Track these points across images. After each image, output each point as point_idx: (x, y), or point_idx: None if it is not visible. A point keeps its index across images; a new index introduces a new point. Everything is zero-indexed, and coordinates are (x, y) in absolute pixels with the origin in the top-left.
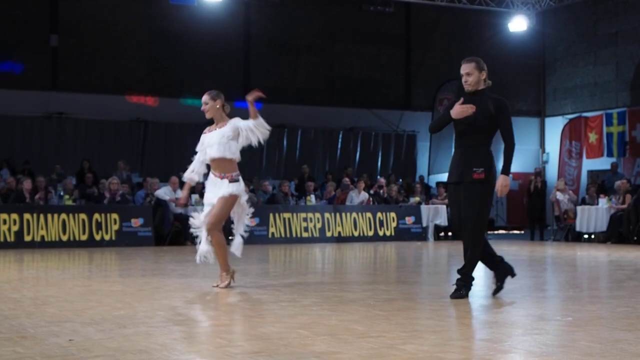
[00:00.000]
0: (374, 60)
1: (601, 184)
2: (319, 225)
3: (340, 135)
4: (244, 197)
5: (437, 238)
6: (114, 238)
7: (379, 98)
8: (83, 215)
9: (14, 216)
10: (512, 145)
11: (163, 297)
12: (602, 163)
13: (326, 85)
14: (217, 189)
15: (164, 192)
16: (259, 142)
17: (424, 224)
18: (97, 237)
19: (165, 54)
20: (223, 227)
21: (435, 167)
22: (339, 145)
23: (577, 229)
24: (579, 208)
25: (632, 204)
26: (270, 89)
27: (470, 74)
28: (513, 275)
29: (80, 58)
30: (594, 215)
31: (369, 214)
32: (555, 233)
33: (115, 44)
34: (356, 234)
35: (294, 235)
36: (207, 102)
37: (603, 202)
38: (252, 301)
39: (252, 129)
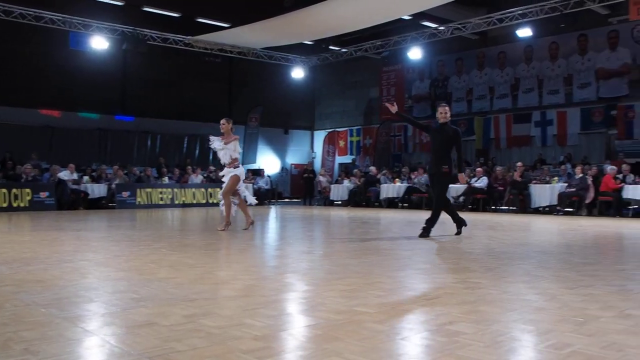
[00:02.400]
0: (209, 91)
1: (346, 171)
2: (170, 196)
3: (186, 139)
4: (243, 177)
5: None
6: (27, 205)
7: (211, 115)
8: (4, 190)
9: None
10: (462, 154)
11: (59, 244)
12: (348, 159)
13: (177, 106)
14: (227, 172)
15: (64, 174)
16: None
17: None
18: (15, 205)
19: (67, 81)
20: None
21: (246, 159)
22: (185, 146)
23: (331, 198)
24: (332, 186)
25: (362, 182)
26: (139, 108)
27: (447, 112)
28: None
29: (8, 83)
30: (341, 190)
31: (202, 190)
32: (318, 201)
33: (33, 74)
34: (195, 201)
35: (153, 202)
36: (224, 124)
37: (347, 182)
38: (121, 245)
39: (234, 150)
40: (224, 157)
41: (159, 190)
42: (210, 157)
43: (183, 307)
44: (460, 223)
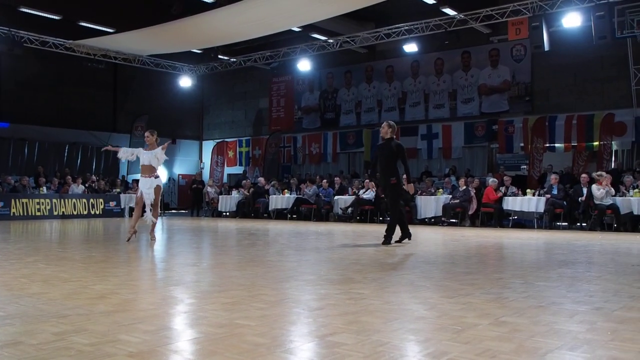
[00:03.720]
0: (92, 98)
1: (237, 184)
2: (48, 207)
3: (67, 147)
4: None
5: (130, 215)
6: None
7: (94, 123)
8: None
9: None
10: (406, 165)
11: None
12: (237, 169)
13: (58, 113)
14: (149, 183)
15: None
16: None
17: (122, 206)
18: None
19: None
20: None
21: (131, 169)
22: (66, 154)
23: (219, 209)
24: (221, 197)
25: (251, 194)
26: (15, 114)
27: (384, 128)
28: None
29: None
30: (229, 201)
31: (84, 200)
32: (206, 212)
33: None
34: (75, 213)
35: (30, 214)
36: (149, 136)
37: (235, 192)
38: None
39: (159, 159)
40: (152, 161)
41: (37, 200)
42: (94, 166)
43: (54, 324)
44: (391, 232)
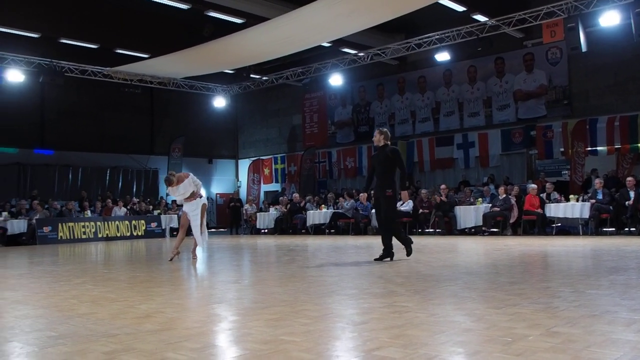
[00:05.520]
0: (130, 122)
1: (275, 200)
2: (93, 230)
3: (108, 172)
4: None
5: (172, 235)
6: None
7: (133, 147)
8: None
9: None
10: (404, 172)
11: None
12: (273, 187)
13: (98, 138)
14: (195, 205)
15: None
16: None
17: (163, 227)
18: None
19: None
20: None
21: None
22: (107, 178)
23: (258, 226)
24: (259, 214)
25: (287, 210)
26: (59, 141)
27: (376, 136)
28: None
29: None
30: (267, 219)
31: (126, 222)
32: (245, 230)
33: None
34: (118, 234)
35: (76, 237)
36: (170, 188)
37: (272, 210)
38: (41, 282)
39: (197, 184)
40: (183, 196)
41: (82, 224)
42: (134, 188)
43: (103, 344)
44: (407, 242)
